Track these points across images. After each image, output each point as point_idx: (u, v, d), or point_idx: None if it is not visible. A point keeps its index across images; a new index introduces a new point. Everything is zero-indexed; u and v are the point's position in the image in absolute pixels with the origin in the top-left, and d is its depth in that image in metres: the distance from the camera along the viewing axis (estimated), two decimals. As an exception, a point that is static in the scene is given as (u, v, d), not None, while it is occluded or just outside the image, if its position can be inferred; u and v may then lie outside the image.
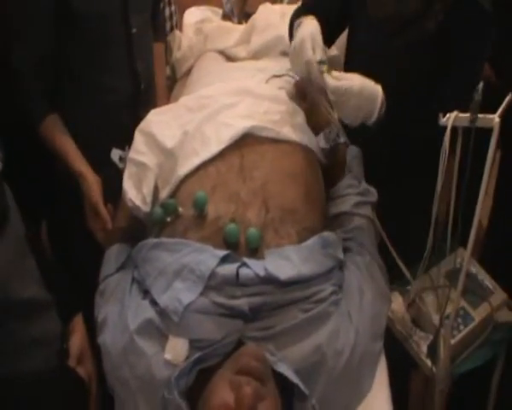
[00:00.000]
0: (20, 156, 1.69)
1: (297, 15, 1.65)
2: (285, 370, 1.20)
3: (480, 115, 1.27)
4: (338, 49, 1.92)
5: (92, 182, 1.73)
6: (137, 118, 1.66)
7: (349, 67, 1.71)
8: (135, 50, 1.79)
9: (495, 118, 1.26)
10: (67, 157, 1.75)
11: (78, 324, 1.38)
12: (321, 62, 1.50)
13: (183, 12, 2.45)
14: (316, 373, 1.25)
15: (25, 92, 1.70)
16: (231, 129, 1.50)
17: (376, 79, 1.50)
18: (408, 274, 1.52)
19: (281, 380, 1.18)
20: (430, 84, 1.55)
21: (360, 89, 1.45)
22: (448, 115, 1.30)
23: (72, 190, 1.78)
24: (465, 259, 1.38)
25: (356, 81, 1.46)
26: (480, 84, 1.26)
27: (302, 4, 1.75)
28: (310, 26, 1.56)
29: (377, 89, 1.47)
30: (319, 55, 1.51)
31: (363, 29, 1.66)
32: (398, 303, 1.61)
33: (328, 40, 1.65)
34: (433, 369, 1.49)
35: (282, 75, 1.75)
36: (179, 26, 2.43)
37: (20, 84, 1.69)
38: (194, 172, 1.46)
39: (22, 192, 1.38)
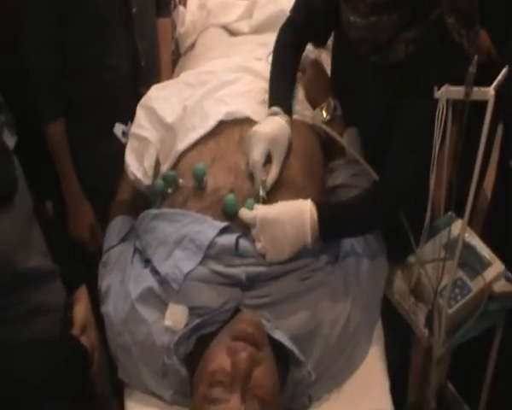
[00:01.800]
0: (29, 136, 1.73)
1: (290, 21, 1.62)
2: (281, 336, 1.23)
3: (474, 88, 1.27)
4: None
5: (82, 211, 1.85)
6: (139, 95, 1.68)
7: (332, 72, 1.68)
8: (135, 29, 1.79)
9: (490, 90, 1.26)
10: (63, 177, 1.82)
11: (83, 294, 1.41)
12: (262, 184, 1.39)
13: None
14: (311, 341, 1.28)
15: (34, 90, 1.73)
16: (229, 108, 1.51)
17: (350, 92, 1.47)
18: (412, 239, 1.52)
19: (277, 347, 1.22)
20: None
21: (276, 215, 1.32)
22: (442, 88, 1.30)
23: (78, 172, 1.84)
24: (461, 229, 1.40)
25: (272, 209, 1.33)
26: (475, 57, 1.25)
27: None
28: (274, 131, 1.43)
29: (302, 210, 1.33)
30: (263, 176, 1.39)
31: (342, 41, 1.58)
32: (398, 275, 1.63)
33: (322, 38, 1.64)
34: (431, 339, 1.51)
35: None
36: (183, 1, 2.43)
37: (31, 81, 1.72)
38: (194, 145, 1.49)
39: (29, 171, 1.41)
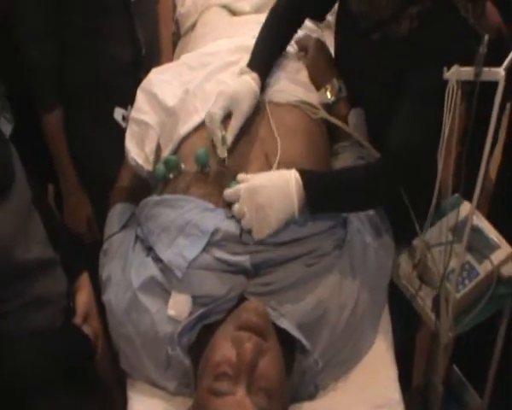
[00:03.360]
0: (30, 120, 1.72)
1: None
2: (287, 325, 1.21)
3: (484, 69, 1.24)
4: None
5: (78, 203, 1.84)
6: (139, 80, 1.65)
7: (336, 51, 1.64)
8: (134, 18, 1.77)
9: (500, 71, 1.23)
10: (60, 168, 1.81)
11: (85, 282, 1.40)
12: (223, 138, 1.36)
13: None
14: (318, 328, 1.26)
15: (32, 80, 1.71)
16: None
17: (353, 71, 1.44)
18: (416, 222, 1.50)
19: (283, 335, 1.20)
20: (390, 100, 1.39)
21: (261, 182, 1.28)
22: (452, 69, 1.27)
23: (79, 155, 1.82)
24: (470, 212, 1.37)
25: (256, 178, 1.29)
26: (486, 37, 1.22)
27: None
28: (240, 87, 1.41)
29: (287, 178, 1.28)
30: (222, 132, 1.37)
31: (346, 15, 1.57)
32: (404, 259, 1.62)
33: (321, 11, 1.61)
34: (437, 323, 1.50)
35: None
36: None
37: (30, 71, 1.70)
38: (196, 129, 1.46)
39: (30, 155, 1.39)
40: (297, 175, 1.28)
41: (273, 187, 1.27)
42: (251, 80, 1.43)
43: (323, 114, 1.52)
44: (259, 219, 1.26)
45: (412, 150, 1.33)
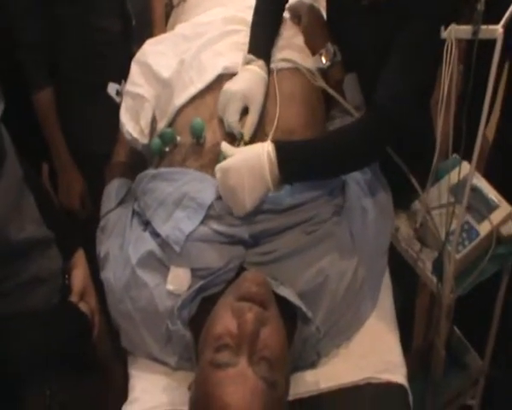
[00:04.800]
0: (23, 98, 1.70)
1: None
2: (287, 293, 1.21)
3: (482, 27, 1.22)
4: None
5: (71, 180, 1.84)
6: (131, 54, 1.63)
7: (328, 16, 1.62)
8: None
9: (498, 29, 1.21)
10: (52, 146, 1.80)
11: (80, 259, 1.39)
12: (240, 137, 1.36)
13: None
14: (319, 295, 1.26)
15: (24, 55, 1.70)
16: (227, 61, 1.47)
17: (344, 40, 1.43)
18: (417, 185, 1.49)
19: (283, 304, 1.19)
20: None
21: (231, 164, 1.25)
22: (449, 27, 1.25)
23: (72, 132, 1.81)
24: (469, 172, 1.36)
25: (229, 159, 1.26)
26: (482, -6, 1.20)
27: None
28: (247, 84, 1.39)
29: (258, 153, 1.25)
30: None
31: None
32: (403, 222, 1.61)
33: None
34: (439, 285, 1.50)
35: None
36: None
37: (20, 47, 1.68)
38: (191, 101, 1.45)
39: (24, 134, 1.37)
40: (270, 149, 1.25)
41: (245, 167, 1.24)
42: (259, 70, 1.42)
43: (321, 83, 1.51)
44: (233, 201, 1.25)
45: (397, 101, 1.30)
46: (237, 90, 1.37)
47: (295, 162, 1.27)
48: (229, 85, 1.39)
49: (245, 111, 1.39)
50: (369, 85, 1.39)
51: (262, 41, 1.50)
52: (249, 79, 1.40)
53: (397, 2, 1.31)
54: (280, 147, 1.26)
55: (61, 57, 1.74)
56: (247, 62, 1.44)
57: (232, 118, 1.36)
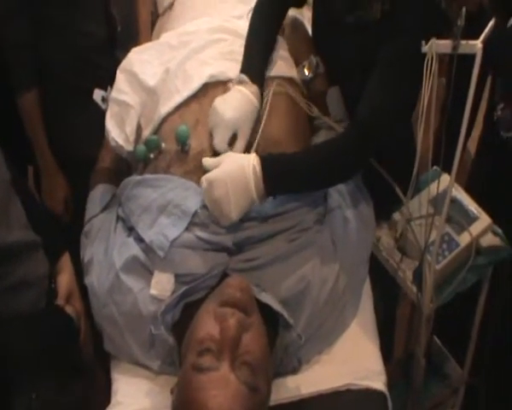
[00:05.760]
0: (7, 101, 1.69)
1: None
2: (269, 300, 1.22)
3: (462, 41, 1.25)
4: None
5: (56, 184, 1.83)
6: (117, 60, 1.63)
7: (313, 29, 1.64)
8: None
9: (477, 44, 1.24)
10: (37, 149, 1.79)
11: (66, 263, 1.40)
12: None
13: None
14: (301, 302, 1.27)
15: (9, 57, 1.68)
16: (212, 70, 1.48)
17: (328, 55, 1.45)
18: (401, 194, 1.52)
19: (266, 310, 1.20)
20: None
21: (216, 175, 1.25)
22: (430, 42, 1.28)
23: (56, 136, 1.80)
24: (449, 184, 1.39)
25: (214, 171, 1.27)
26: (463, 9, 1.23)
27: None
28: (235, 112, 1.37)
29: (243, 165, 1.26)
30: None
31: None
32: (384, 232, 1.63)
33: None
34: (419, 295, 1.52)
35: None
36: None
37: (5, 49, 1.67)
38: (176, 108, 1.45)
39: (8, 137, 1.37)
40: (255, 162, 1.26)
41: (230, 180, 1.24)
42: (251, 96, 1.39)
43: (316, 113, 1.53)
44: (219, 212, 1.26)
45: (378, 115, 1.33)
46: (229, 119, 1.35)
47: (280, 176, 1.29)
48: (222, 108, 1.37)
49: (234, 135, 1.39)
50: (352, 99, 1.42)
51: (256, 64, 1.48)
52: (241, 105, 1.38)
53: (381, 23, 1.34)
54: (265, 161, 1.27)
55: (48, 60, 1.74)
56: (240, 82, 1.42)
57: (221, 145, 1.35)
